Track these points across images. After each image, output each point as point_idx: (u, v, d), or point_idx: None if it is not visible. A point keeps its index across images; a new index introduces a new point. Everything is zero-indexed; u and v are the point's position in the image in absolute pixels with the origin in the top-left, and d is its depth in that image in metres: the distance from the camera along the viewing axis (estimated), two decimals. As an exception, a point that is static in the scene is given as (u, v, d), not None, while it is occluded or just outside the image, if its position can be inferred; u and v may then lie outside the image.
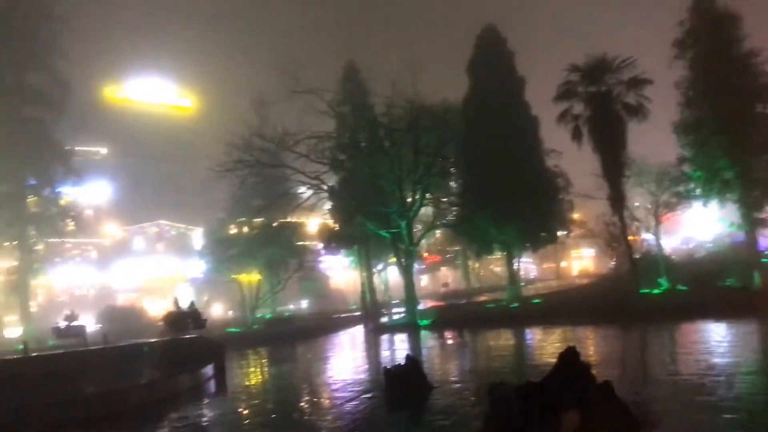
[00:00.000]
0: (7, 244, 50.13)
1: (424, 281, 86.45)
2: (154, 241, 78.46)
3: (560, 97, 37.47)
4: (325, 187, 44.40)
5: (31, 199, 51.05)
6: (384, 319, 45.96)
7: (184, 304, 30.13)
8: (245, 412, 16.61)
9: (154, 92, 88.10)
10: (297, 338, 38.82)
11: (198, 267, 62.84)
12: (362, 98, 46.96)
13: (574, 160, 46.42)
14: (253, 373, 26.55)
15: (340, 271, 71.63)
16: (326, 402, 16.51)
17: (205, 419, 16.28)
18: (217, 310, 64.88)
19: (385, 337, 36.95)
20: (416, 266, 72.98)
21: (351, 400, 15.60)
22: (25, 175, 49.48)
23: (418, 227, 49.61)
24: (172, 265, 73.90)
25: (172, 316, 28.16)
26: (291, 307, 68.05)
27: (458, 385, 16.94)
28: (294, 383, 21.41)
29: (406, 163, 42.26)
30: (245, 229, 57.32)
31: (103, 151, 79.88)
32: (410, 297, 42.76)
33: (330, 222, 55.73)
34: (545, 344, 25.80)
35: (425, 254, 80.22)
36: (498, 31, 46.37)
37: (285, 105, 41.19)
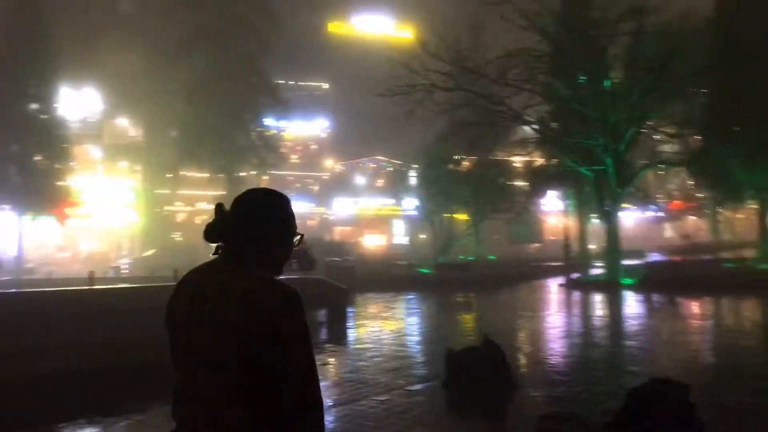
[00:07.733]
0: (216, 175, 52.32)
1: (668, 231, 76.55)
2: (371, 177, 77.93)
3: None
4: (532, 119, 37.61)
5: (242, 131, 52.47)
6: (576, 274, 38.50)
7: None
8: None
9: (374, 25, 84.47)
10: (468, 287, 33.98)
11: (412, 204, 62.10)
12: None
13: None
14: (362, 326, 22.46)
15: (557, 217, 64.32)
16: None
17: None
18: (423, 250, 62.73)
19: (575, 296, 30.81)
20: (659, 213, 63.66)
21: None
22: (232, 107, 50.80)
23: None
24: (388, 201, 73.02)
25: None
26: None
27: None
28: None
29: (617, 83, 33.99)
30: (450, 167, 53.16)
31: (325, 86, 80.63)
32: (612, 249, 34.76)
33: (541, 160, 48.61)
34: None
35: (670, 199, 69.50)
36: None
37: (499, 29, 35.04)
